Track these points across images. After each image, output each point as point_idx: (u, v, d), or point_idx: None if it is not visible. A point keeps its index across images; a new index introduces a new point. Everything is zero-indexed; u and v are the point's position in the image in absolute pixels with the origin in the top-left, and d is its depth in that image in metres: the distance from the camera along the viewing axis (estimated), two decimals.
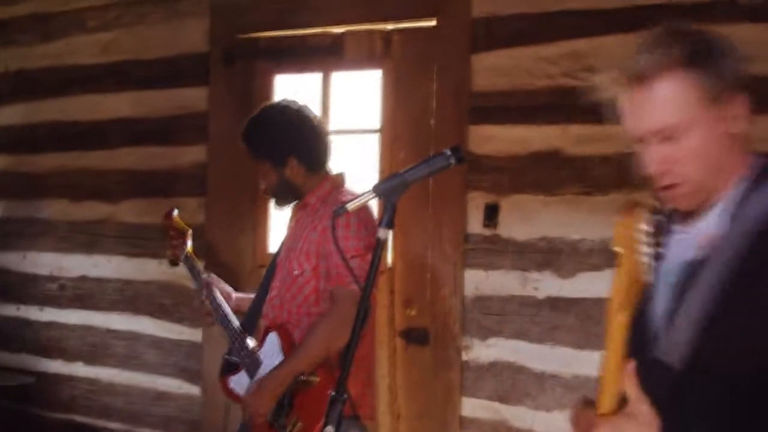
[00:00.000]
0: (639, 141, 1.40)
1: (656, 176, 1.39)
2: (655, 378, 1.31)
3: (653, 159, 1.38)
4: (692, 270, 1.36)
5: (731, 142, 1.37)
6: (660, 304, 1.43)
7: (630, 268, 1.29)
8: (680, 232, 1.46)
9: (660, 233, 1.46)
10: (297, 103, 2.70)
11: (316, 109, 3.25)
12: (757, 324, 1.27)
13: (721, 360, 1.31)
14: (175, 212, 2.87)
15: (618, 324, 1.29)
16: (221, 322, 2.65)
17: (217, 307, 2.67)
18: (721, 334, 1.30)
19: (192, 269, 2.76)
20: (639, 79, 1.36)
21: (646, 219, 1.35)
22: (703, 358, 1.31)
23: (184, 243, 2.79)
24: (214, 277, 2.76)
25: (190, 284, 2.86)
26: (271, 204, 2.79)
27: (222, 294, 2.71)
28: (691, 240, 1.42)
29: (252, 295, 2.80)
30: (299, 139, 2.58)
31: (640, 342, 1.40)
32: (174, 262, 2.84)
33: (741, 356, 1.29)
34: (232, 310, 2.69)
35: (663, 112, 1.36)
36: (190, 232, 2.81)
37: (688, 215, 1.44)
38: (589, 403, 1.39)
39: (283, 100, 2.70)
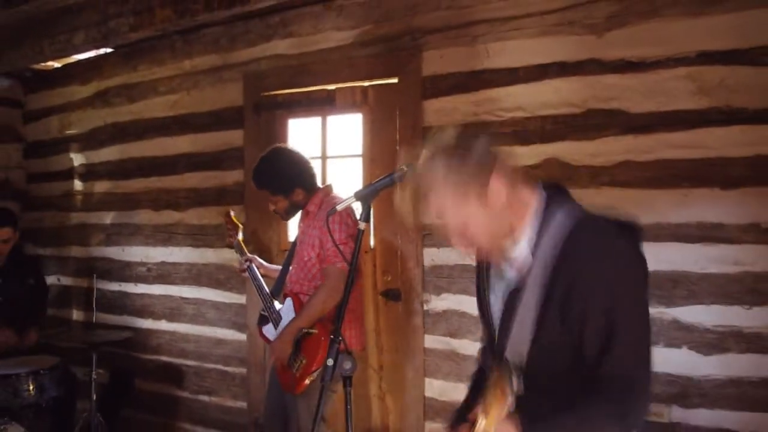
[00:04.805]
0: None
1: (464, 250, 1.32)
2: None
3: (455, 241, 1.30)
4: (515, 294, 1.29)
5: (504, 208, 1.26)
6: (496, 304, 1.37)
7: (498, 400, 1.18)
8: (503, 258, 1.35)
9: (487, 264, 1.42)
10: (285, 145, 2.69)
11: (317, 143, 3.26)
12: (565, 326, 1.22)
13: (549, 354, 1.26)
14: (232, 213, 2.86)
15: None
16: (257, 288, 2.63)
17: (255, 278, 2.64)
18: (545, 337, 1.24)
19: (240, 251, 2.73)
20: (420, 194, 1.29)
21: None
22: (538, 355, 1.26)
23: (237, 234, 2.76)
24: (255, 257, 2.74)
25: (235, 264, 2.86)
26: (280, 218, 2.76)
27: (256, 264, 2.69)
28: (511, 265, 1.32)
29: (276, 266, 2.79)
30: (298, 173, 2.53)
31: (486, 318, 1.42)
32: (230, 246, 2.83)
33: (560, 350, 1.25)
34: (262, 275, 2.67)
35: (440, 214, 1.28)
36: (241, 227, 2.80)
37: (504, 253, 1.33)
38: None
39: (276, 147, 2.63)
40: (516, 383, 1.28)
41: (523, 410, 1.20)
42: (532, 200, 1.30)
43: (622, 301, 1.20)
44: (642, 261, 1.26)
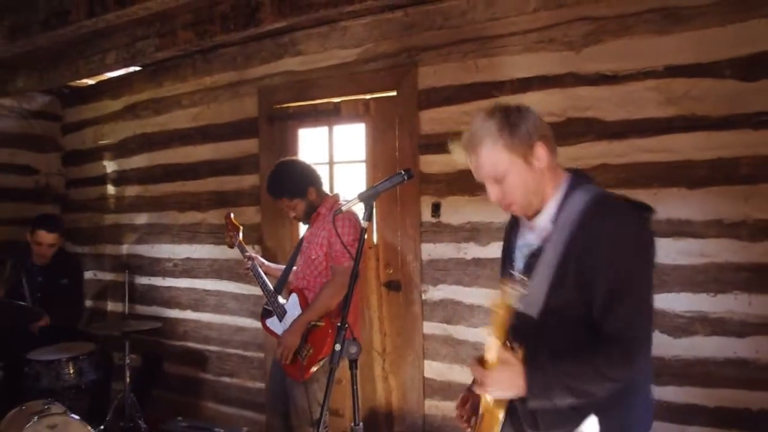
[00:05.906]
0: (483, 183, 1.37)
1: (498, 202, 1.38)
2: (522, 325, 1.31)
3: (492, 193, 1.37)
4: (537, 255, 1.34)
5: (542, 173, 1.34)
6: (519, 263, 1.41)
7: (502, 320, 1.27)
8: (528, 225, 1.42)
9: (516, 224, 1.48)
10: (289, 158, 2.69)
11: (324, 150, 3.28)
12: (579, 286, 1.27)
13: (562, 309, 1.30)
14: (232, 215, 2.82)
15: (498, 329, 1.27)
16: (261, 285, 2.61)
17: (258, 275, 2.63)
18: (560, 294, 1.29)
19: (242, 250, 2.72)
20: (470, 148, 1.34)
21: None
22: (551, 310, 1.30)
23: (237, 234, 2.75)
24: (256, 256, 2.73)
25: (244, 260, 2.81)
26: (299, 223, 2.74)
27: (258, 263, 2.67)
28: (534, 231, 1.39)
29: (276, 265, 2.78)
30: (307, 174, 2.54)
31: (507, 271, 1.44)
32: (230, 246, 2.79)
33: (572, 306, 1.28)
34: (265, 272, 2.66)
35: (487, 167, 1.33)
36: (241, 228, 2.76)
37: (530, 216, 1.40)
38: (480, 360, 1.35)
39: (282, 160, 2.64)
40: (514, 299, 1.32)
41: (530, 359, 1.25)
42: (564, 177, 1.38)
43: (628, 268, 1.25)
44: (649, 234, 1.31)
